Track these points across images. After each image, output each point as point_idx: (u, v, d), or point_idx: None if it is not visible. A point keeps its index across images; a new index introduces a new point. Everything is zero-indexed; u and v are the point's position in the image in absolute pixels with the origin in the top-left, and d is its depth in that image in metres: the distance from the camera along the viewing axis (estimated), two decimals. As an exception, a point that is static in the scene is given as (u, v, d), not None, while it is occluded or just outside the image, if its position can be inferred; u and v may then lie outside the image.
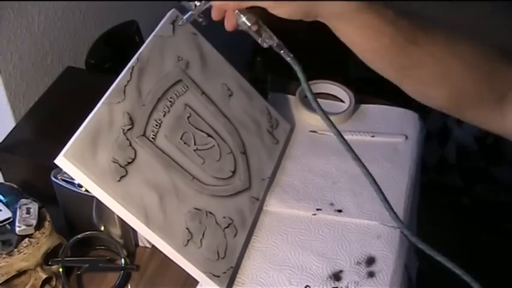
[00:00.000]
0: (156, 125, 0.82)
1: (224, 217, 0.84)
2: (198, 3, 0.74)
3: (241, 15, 0.73)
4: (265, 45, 0.75)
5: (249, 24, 0.73)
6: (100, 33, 1.11)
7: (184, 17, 0.77)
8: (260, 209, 0.92)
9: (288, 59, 0.75)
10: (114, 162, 0.75)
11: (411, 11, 0.70)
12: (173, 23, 0.91)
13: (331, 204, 0.92)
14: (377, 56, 0.72)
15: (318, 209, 0.91)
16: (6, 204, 0.79)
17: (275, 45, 0.75)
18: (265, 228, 0.90)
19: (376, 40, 0.70)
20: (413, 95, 0.75)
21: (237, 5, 0.72)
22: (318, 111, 0.75)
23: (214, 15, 0.73)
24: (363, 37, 0.71)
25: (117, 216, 0.77)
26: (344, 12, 0.69)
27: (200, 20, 0.77)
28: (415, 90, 0.74)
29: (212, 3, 0.72)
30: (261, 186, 0.93)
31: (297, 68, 0.74)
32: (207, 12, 0.74)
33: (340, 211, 0.91)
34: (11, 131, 0.93)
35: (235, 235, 0.85)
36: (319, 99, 1.11)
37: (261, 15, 0.73)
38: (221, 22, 0.74)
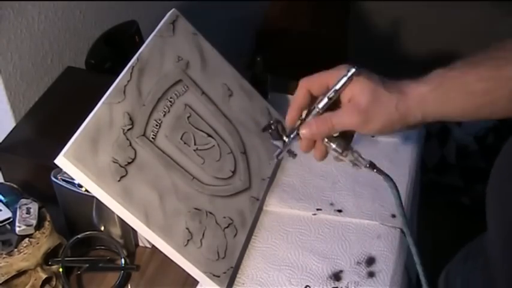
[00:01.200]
0: (156, 125, 0.82)
1: (224, 217, 0.84)
2: (286, 139, 0.72)
3: (331, 144, 0.71)
4: (357, 168, 0.74)
5: (340, 151, 0.72)
6: (100, 33, 1.11)
7: (275, 154, 0.74)
8: (260, 209, 0.92)
9: (382, 176, 0.74)
10: (114, 162, 0.75)
11: None
12: (173, 23, 0.91)
13: (331, 204, 0.92)
14: (485, 107, 0.68)
15: (318, 209, 0.91)
16: (6, 204, 0.79)
17: (367, 166, 0.73)
18: (265, 228, 0.90)
19: (468, 95, 0.67)
20: None
21: (325, 134, 0.71)
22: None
23: (304, 148, 0.73)
24: (463, 97, 0.68)
25: (117, 216, 0.77)
26: (431, 91, 0.67)
27: (290, 154, 0.75)
28: None
29: (302, 136, 0.71)
30: (261, 186, 0.93)
31: (391, 184, 0.73)
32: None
33: (340, 211, 0.91)
34: (11, 131, 0.93)
35: (235, 235, 0.85)
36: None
37: (346, 138, 0.72)
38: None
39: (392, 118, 0.68)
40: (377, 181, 0.96)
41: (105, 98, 0.78)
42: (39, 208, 0.79)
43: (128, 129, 0.78)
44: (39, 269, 0.79)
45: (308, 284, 0.82)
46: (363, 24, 2.23)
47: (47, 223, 0.79)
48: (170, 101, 0.85)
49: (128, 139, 0.78)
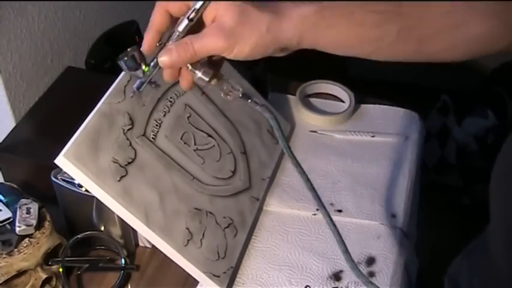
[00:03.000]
0: (156, 125, 0.82)
1: (224, 217, 0.84)
2: (145, 68, 0.62)
3: (196, 71, 0.63)
4: (229, 98, 0.66)
5: (206, 79, 0.63)
6: (100, 33, 1.11)
7: (134, 86, 0.65)
8: (260, 209, 0.92)
9: (257, 107, 0.66)
10: (114, 162, 0.75)
11: None
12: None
13: (331, 204, 0.92)
14: (372, 40, 0.62)
15: (318, 209, 0.91)
16: (6, 204, 0.79)
17: (240, 95, 0.65)
18: (265, 228, 0.90)
19: (357, 26, 0.61)
20: (439, 59, 0.66)
21: (187, 60, 0.62)
22: None
23: (167, 77, 0.63)
24: (349, 30, 0.61)
25: (117, 216, 0.77)
26: (309, 23, 0.60)
27: (153, 85, 0.66)
28: (436, 54, 0.66)
29: (161, 64, 0.62)
30: (261, 186, 0.93)
31: (268, 115, 0.66)
32: (159, 75, 0.64)
33: (340, 211, 0.91)
34: (11, 131, 0.93)
35: (235, 235, 0.85)
36: (319, 99, 1.13)
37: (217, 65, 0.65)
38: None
39: (264, 41, 0.60)
40: (377, 181, 0.96)
41: (105, 98, 0.78)
42: (39, 208, 0.79)
43: (128, 129, 0.78)
44: (39, 269, 0.79)
45: (308, 284, 0.82)
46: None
47: (47, 223, 0.79)
48: (170, 101, 0.85)
49: (128, 139, 0.78)
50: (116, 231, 0.84)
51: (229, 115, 0.93)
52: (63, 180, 0.82)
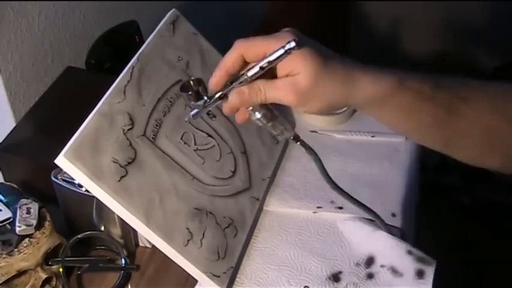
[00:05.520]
0: (156, 125, 0.82)
1: (224, 217, 0.84)
2: (207, 100, 0.65)
3: (256, 113, 0.66)
4: (280, 139, 0.70)
5: (265, 122, 0.67)
6: (100, 33, 1.11)
7: (191, 113, 0.67)
8: (260, 209, 0.92)
9: (304, 150, 0.71)
10: (114, 162, 0.75)
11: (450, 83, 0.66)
12: (173, 23, 0.91)
13: (332, 202, 0.92)
14: (419, 133, 0.68)
15: (318, 207, 0.91)
16: (7, 204, 0.79)
17: (292, 137, 0.69)
18: (265, 228, 0.90)
19: (413, 120, 0.66)
20: (465, 161, 0.70)
21: (255, 104, 0.65)
22: None
23: (227, 111, 0.66)
24: (401, 120, 0.66)
25: (117, 216, 0.77)
26: (376, 99, 0.63)
27: (210, 115, 0.68)
28: (464, 158, 0.70)
29: (231, 103, 0.64)
30: (261, 186, 0.93)
31: (313, 157, 0.72)
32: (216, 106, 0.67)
33: (341, 208, 0.91)
34: (11, 131, 0.93)
35: (235, 235, 0.85)
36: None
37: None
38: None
39: (333, 103, 0.63)
40: (377, 181, 0.96)
41: (105, 98, 0.78)
42: (39, 208, 0.79)
43: (128, 129, 0.78)
44: (39, 269, 0.79)
45: (307, 285, 0.82)
46: (363, 24, 2.23)
47: (47, 223, 0.79)
48: (170, 101, 0.85)
49: (128, 139, 0.78)
50: (116, 231, 0.84)
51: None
52: (63, 180, 0.82)
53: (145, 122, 0.81)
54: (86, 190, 0.76)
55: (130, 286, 0.85)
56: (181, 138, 0.85)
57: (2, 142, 0.91)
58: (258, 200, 0.91)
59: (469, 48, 2.14)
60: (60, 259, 0.81)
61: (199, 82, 0.65)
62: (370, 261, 0.84)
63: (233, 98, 0.63)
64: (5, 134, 0.92)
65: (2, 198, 0.80)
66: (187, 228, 0.79)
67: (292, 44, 0.59)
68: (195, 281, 0.80)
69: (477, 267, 1.68)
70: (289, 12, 2.52)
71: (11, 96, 0.98)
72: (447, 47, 2.17)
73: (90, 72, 1.07)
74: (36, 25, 1.01)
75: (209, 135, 0.88)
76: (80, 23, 1.12)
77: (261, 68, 0.61)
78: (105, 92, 0.78)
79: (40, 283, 0.79)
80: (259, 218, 0.91)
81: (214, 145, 0.88)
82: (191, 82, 0.65)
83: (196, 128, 0.87)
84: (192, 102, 0.65)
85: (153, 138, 0.81)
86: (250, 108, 0.65)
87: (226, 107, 0.65)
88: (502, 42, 2.07)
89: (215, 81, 0.64)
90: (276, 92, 0.63)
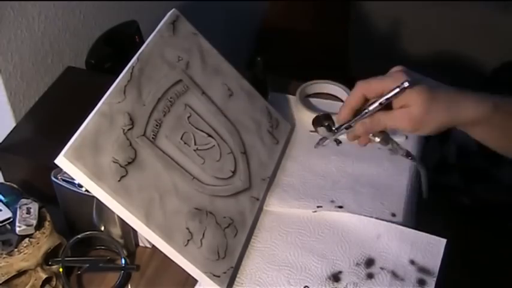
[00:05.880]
0: (157, 125, 0.82)
1: (224, 217, 0.84)
2: (336, 131, 0.79)
3: (376, 138, 0.79)
4: (395, 154, 0.83)
5: (384, 144, 0.80)
6: (100, 33, 1.11)
7: (322, 142, 0.82)
8: (260, 209, 0.92)
9: (416, 163, 0.86)
10: (114, 162, 0.75)
11: None
12: (173, 23, 0.91)
13: (332, 201, 0.92)
14: (510, 149, 0.79)
15: (318, 206, 0.91)
16: (7, 204, 0.79)
17: (404, 154, 0.83)
18: (265, 228, 0.90)
19: (507, 137, 0.77)
20: None
21: (375, 131, 0.78)
22: None
23: (351, 139, 0.79)
24: (495, 138, 0.77)
25: (117, 216, 0.77)
26: (475, 120, 0.74)
27: (336, 142, 0.83)
28: None
29: (356, 132, 0.77)
30: (261, 186, 0.93)
31: (422, 172, 0.87)
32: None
33: (341, 207, 0.91)
34: (11, 131, 0.93)
35: (235, 235, 0.85)
36: (319, 99, 1.13)
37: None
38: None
39: (442, 126, 0.75)
40: (377, 181, 0.96)
41: (105, 98, 0.78)
42: (39, 208, 0.79)
43: (128, 129, 0.78)
44: (39, 269, 0.79)
45: (307, 285, 0.82)
46: (363, 24, 2.23)
47: (47, 223, 0.79)
48: (170, 101, 0.85)
49: (128, 139, 0.78)
50: (116, 231, 0.84)
51: (229, 115, 0.93)
52: (63, 180, 0.82)
53: (146, 122, 0.81)
54: (86, 190, 0.76)
55: (130, 286, 0.85)
56: (181, 138, 0.85)
57: (2, 142, 0.91)
58: (258, 200, 0.91)
59: (469, 48, 2.14)
60: (60, 259, 0.81)
61: (328, 117, 0.80)
62: (370, 261, 0.84)
63: (358, 128, 0.76)
64: (5, 134, 0.92)
65: (2, 198, 0.80)
66: (187, 228, 0.79)
67: (406, 84, 0.71)
68: (195, 281, 0.80)
69: (477, 267, 1.68)
70: (289, 12, 2.52)
71: (11, 96, 0.98)
72: (447, 47, 2.17)
73: (90, 72, 1.07)
74: (36, 25, 1.01)
75: (209, 135, 0.88)
76: (80, 23, 1.12)
77: (380, 104, 0.74)
78: (105, 92, 0.78)
79: (40, 283, 0.79)
80: (259, 218, 0.91)
81: (214, 145, 0.88)
82: (323, 120, 0.80)
83: (196, 128, 0.87)
84: (324, 133, 0.80)
85: (153, 138, 0.81)
86: (371, 135, 0.78)
87: (350, 135, 0.78)
88: (502, 42, 2.07)
89: (343, 116, 0.77)
90: (394, 121, 0.75)
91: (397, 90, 0.72)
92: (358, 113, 0.76)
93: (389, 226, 0.88)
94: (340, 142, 0.84)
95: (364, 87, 0.76)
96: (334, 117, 0.80)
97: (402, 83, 0.72)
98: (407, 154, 0.83)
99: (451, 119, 0.74)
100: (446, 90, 0.75)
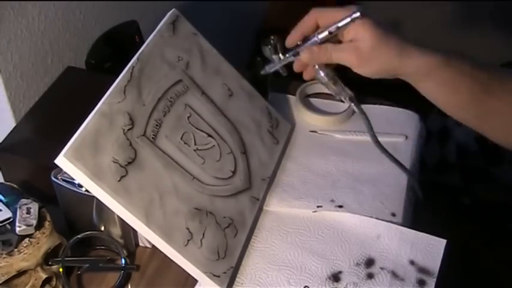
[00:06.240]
0: (157, 125, 0.82)
1: (224, 217, 0.84)
2: (282, 57, 0.80)
3: (320, 71, 0.79)
4: (337, 98, 0.83)
5: (326, 79, 0.80)
6: (100, 33, 1.11)
7: (266, 66, 0.83)
8: (260, 209, 0.92)
9: (357, 110, 0.84)
10: (114, 162, 0.75)
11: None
12: (173, 23, 0.91)
13: (332, 201, 0.92)
14: (457, 108, 0.78)
15: (318, 206, 0.91)
16: (7, 204, 0.79)
17: (348, 98, 0.82)
18: (265, 228, 0.90)
19: (455, 94, 0.76)
20: (494, 141, 0.79)
21: (321, 62, 0.78)
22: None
23: (297, 68, 0.80)
24: (443, 92, 0.76)
25: (118, 216, 0.77)
26: (424, 70, 0.74)
27: (281, 71, 0.83)
28: (494, 137, 0.78)
29: (302, 58, 0.78)
30: (261, 186, 0.93)
31: (364, 117, 0.85)
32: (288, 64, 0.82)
33: (341, 206, 0.91)
34: (11, 131, 0.93)
35: (235, 235, 0.85)
36: (319, 99, 1.13)
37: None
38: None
39: (386, 68, 0.75)
40: (377, 181, 0.96)
41: (105, 98, 0.78)
42: (39, 208, 0.79)
43: (128, 129, 0.78)
44: (39, 269, 0.79)
45: (307, 285, 0.82)
46: (363, 24, 2.23)
47: (47, 223, 0.79)
48: (170, 101, 0.85)
49: (128, 139, 0.78)
50: (116, 231, 0.84)
51: (229, 115, 0.93)
52: (63, 180, 0.82)
53: (146, 122, 0.81)
54: (86, 190, 0.76)
55: (130, 286, 0.85)
56: (181, 138, 0.85)
57: (2, 142, 0.91)
58: (258, 200, 0.91)
59: (469, 48, 2.14)
60: (60, 259, 0.81)
61: (278, 39, 0.79)
62: (370, 261, 0.84)
63: (305, 54, 0.76)
64: (5, 134, 0.92)
65: (2, 198, 0.80)
66: (187, 228, 0.79)
67: (358, 13, 0.70)
68: (195, 281, 0.80)
69: (477, 268, 1.68)
70: (289, 12, 2.51)
71: (11, 96, 0.98)
72: (447, 47, 2.17)
73: (90, 72, 1.07)
74: (36, 25, 1.01)
75: (209, 135, 0.88)
76: (80, 23, 1.12)
77: (330, 32, 0.73)
78: (105, 92, 0.78)
79: (40, 283, 0.79)
80: (259, 218, 0.91)
81: (214, 145, 0.88)
82: (271, 39, 0.79)
83: (196, 128, 0.87)
84: (273, 56, 0.80)
85: (153, 138, 0.81)
86: (317, 66, 0.78)
87: (297, 63, 0.78)
88: (502, 42, 2.07)
89: (291, 39, 0.78)
90: (341, 53, 0.75)
91: (348, 20, 0.72)
92: (307, 40, 0.76)
93: (389, 226, 0.88)
94: (286, 72, 0.83)
95: (318, 14, 0.77)
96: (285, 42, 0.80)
97: (354, 12, 0.71)
98: (351, 99, 0.82)
99: (397, 65, 0.74)
100: (398, 36, 0.74)
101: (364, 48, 0.73)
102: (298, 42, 0.80)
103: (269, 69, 0.83)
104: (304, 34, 0.77)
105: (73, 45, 1.12)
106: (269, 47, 0.80)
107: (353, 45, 0.74)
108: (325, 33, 0.74)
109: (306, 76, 0.81)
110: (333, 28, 0.73)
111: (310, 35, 0.78)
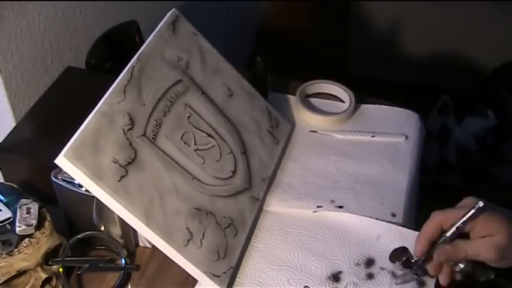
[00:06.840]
0: (157, 125, 0.82)
1: (224, 217, 0.84)
2: (415, 263, 0.77)
3: (456, 267, 0.76)
4: (458, 277, 0.77)
5: (463, 275, 0.76)
6: (100, 33, 1.11)
7: (400, 277, 0.80)
8: (260, 209, 0.92)
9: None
10: (114, 162, 0.75)
11: None
12: (173, 23, 0.91)
13: (332, 201, 0.92)
14: None
15: (318, 206, 0.91)
16: (7, 204, 0.79)
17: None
18: (265, 228, 0.90)
19: None
20: None
21: (457, 261, 0.75)
22: None
23: (433, 271, 0.76)
24: None
25: (118, 216, 0.77)
26: None
27: (418, 275, 0.79)
28: None
29: (437, 260, 0.75)
30: (261, 186, 0.93)
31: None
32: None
33: (341, 207, 0.91)
34: (11, 131, 0.93)
35: (235, 235, 0.85)
36: (318, 99, 1.13)
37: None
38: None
39: None
40: (377, 181, 0.96)
41: (105, 98, 0.78)
42: (39, 208, 0.79)
43: (128, 129, 0.78)
44: (39, 269, 0.79)
45: (307, 285, 0.82)
46: (363, 24, 2.23)
47: (47, 223, 0.79)
48: (170, 101, 0.85)
49: (128, 139, 0.78)
50: (116, 231, 0.84)
51: (229, 115, 0.93)
52: (63, 180, 0.82)
53: (146, 122, 0.81)
54: (86, 190, 0.76)
55: (130, 286, 0.85)
56: (181, 138, 0.85)
57: (2, 142, 0.91)
58: (258, 200, 0.91)
59: (469, 48, 2.14)
60: (60, 259, 0.81)
61: (405, 250, 0.77)
62: (370, 262, 0.84)
63: (439, 255, 0.74)
64: (5, 134, 0.92)
65: (2, 198, 0.80)
66: (187, 228, 0.79)
67: (481, 204, 0.71)
68: (195, 281, 0.80)
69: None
70: (289, 12, 2.52)
71: (11, 96, 0.98)
72: (447, 47, 2.17)
73: (90, 72, 1.07)
74: (36, 25, 1.01)
75: (209, 135, 0.88)
76: (80, 23, 1.12)
77: (457, 228, 0.73)
78: (105, 92, 0.78)
79: (40, 283, 0.79)
80: (259, 218, 0.91)
81: (214, 145, 0.88)
82: (402, 255, 0.77)
83: (196, 128, 0.87)
84: (402, 270, 0.78)
85: (153, 138, 0.81)
86: (452, 263, 0.75)
87: (432, 266, 0.76)
88: (502, 42, 2.07)
89: (420, 250, 0.76)
90: (477, 250, 0.73)
91: (473, 211, 0.72)
92: (434, 244, 0.75)
93: (389, 226, 0.88)
94: (422, 275, 0.79)
95: (441, 217, 0.76)
96: (411, 251, 0.78)
97: (477, 203, 0.72)
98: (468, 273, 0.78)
99: None
100: None
101: (502, 242, 0.72)
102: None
103: (403, 279, 0.80)
104: (431, 240, 0.76)
105: (73, 45, 1.12)
106: (400, 263, 0.78)
107: (489, 241, 0.73)
108: (453, 229, 0.74)
109: (443, 280, 0.78)
110: (460, 224, 0.73)
111: (437, 239, 0.76)
